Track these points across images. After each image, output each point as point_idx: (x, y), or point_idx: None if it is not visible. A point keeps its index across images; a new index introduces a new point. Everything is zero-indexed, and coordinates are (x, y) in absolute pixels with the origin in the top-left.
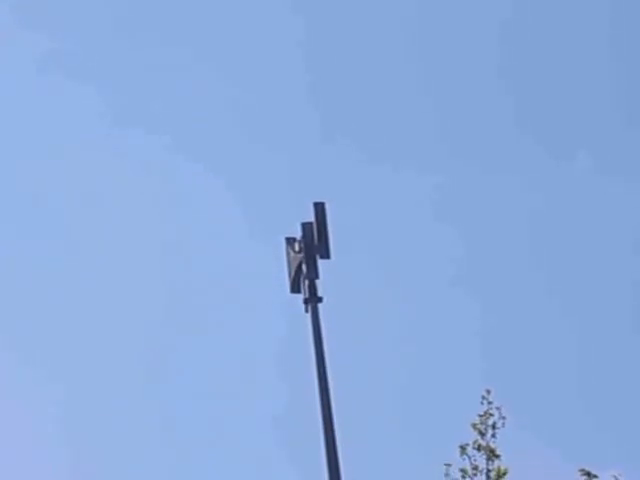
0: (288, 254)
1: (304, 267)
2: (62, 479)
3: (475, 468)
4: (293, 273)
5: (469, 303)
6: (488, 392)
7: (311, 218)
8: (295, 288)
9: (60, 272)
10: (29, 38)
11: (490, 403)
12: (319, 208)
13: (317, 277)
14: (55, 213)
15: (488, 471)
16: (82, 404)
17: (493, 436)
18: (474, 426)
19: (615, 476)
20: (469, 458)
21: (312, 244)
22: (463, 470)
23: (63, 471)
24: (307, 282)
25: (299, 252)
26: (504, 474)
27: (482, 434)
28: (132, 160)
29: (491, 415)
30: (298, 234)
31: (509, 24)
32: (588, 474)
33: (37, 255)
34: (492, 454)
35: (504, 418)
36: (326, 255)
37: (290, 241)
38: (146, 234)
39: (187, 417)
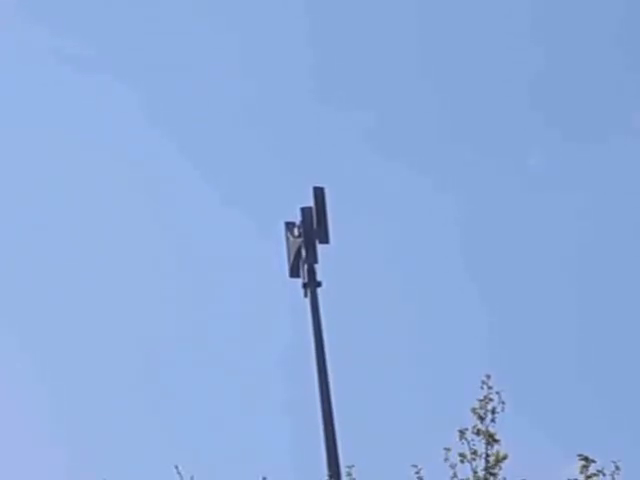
0: (287, 239)
1: (303, 252)
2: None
3: (474, 453)
4: (292, 257)
5: (471, 287)
6: (488, 377)
7: (310, 203)
8: (294, 272)
9: (56, 270)
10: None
11: (490, 388)
12: (318, 193)
13: (316, 262)
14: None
15: (487, 456)
16: (83, 405)
17: (492, 421)
18: (474, 411)
19: (614, 462)
20: (468, 443)
21: (311, 229)
22: (462, 454)
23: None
24: (306, 266)
25: (298, 237)
26: (503, 459)
27: (481, 419)
28: (130, 155)
29: (491, 400)
30: (297, 219)
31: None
32: (586, 459)
33: (35, 254)
34: (491, 439)
35: (504, 403)
36: (325, 240)
37: (289, 226)
38: (142, 226)
39: (186, 407)
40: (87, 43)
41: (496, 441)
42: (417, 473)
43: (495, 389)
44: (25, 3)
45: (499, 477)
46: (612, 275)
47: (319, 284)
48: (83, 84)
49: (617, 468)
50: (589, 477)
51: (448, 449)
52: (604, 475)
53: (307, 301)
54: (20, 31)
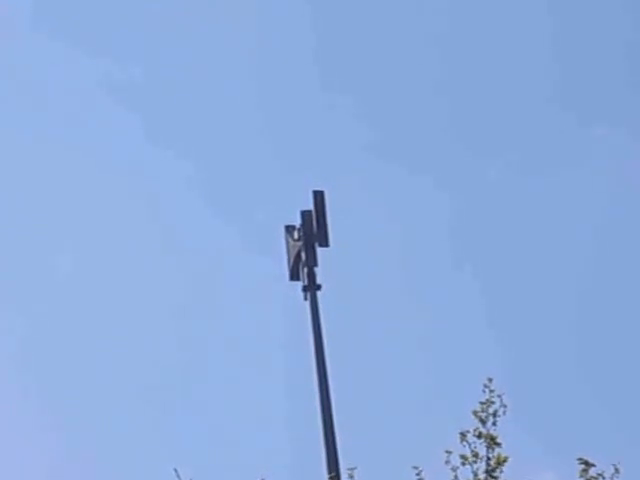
0: (287, 242)
1: (303, 255)
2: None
3: (475, 455)
4: (292, 261)
5: (472, 289)
6: (490, 380)
7: (310, 206)
8: (294, 276)
9: (57, 272)
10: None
11: (492, 391)
12: (318, 196)
13: (316, 265)
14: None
15: (488, 459)
16: (85, 410)
17: (494, 424)
18: (475, 414)
19: (614, 465)
20: (469, 445)
21: (311, 232)
22: (463, 457)
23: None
24: (306, 270)
25: (298, 240)
26: (504, 461)
27: (483, 422)
28: (127, 156)
29: (492, 403)
30: (297, 222)
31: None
32: (586, 463)
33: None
34: (492, 442)
35: (505, 406)
36: (325, 243)
37: (289, 229)
38: (141, 229)
39: (185, 409)
40: (85, 46)
41: (497, 444)
42: (418, 475)
43: (497, 392)
44: (26, 10)
45: None
46: (611, 281)
47: (319, 287)
48: (81, 87)
49: (616, 471)
50: None
51: (449, 451)
52: (603, 478)
53: (307, 304)
54: (25, 40)
